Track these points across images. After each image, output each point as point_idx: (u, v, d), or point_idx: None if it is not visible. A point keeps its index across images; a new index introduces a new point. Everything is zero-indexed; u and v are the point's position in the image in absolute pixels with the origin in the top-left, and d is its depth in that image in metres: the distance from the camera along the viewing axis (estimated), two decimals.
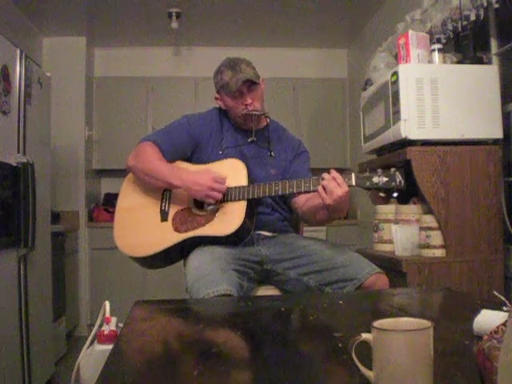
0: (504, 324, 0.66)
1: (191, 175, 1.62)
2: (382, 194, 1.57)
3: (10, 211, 2.22)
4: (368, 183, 1.48)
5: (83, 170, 4.08)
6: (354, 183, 1.48)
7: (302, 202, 1.74)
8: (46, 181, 2.77)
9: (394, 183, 1.46)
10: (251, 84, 1.71)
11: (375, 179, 1.46)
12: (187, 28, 3.99)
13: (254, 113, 1.72)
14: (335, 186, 1.43)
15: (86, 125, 4.10)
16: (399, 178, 1.45)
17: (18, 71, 2.32)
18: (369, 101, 2.46)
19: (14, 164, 2.25)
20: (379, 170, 1.48)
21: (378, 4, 3.58)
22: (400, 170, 1.47)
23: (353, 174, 1.49)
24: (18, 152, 2.32)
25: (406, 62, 2.12)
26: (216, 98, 1.82)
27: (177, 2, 3.59)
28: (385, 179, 1.46)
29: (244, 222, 1.58)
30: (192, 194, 1.63)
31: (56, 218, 3.64)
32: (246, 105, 1.72)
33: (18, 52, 2.33)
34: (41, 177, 2.56)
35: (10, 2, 3.35)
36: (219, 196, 1.59)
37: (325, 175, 1.46)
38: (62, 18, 3.79)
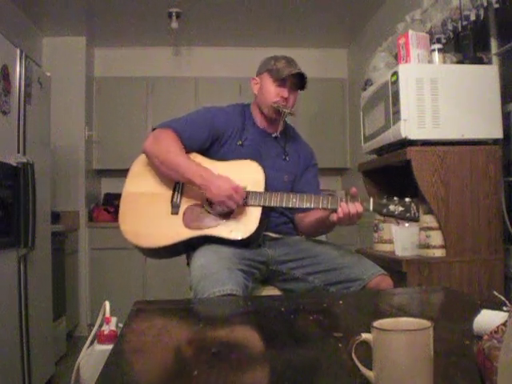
0: (504, 324, 0.66)
1: (213, 176, 1.58)
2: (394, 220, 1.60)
3: (10, 211, 2.22)
4: (385, 210, 1.52)
5: (83, 170, 4.08)
6: (371, 208, 1.53)
7: (304, 213, 1.75)
8: (46, 181, 2.77)
9: (408, 214, 1.51)
10: (295, 85, 1.74)
11: (392, 207, 1.52)
12: (187, 28, 3.98)
13: (284, 110, 1.74)
14: (354, 215, 1.49)
15: (85, 125, 4.10)
16: (414, 209, 1.50)
17: (17, 71, 2.32)
18: (369, 101, 2.46)
19: (14, 164, 2.25)
20: (396, 199, 1.52)
21: (378, 4, 3.58)
22: (414, 200, 1.52)
23: (371, 200, 1.53)
24: (18, 152, 2.32)
25: (406, 62, 2.12)
26: (253, 79, 1.82)
27: (177, 1, 3.59)
28: (401, 209, 1.51)
29: (257, 228, 1.58)
30: (209, 195, 1.58)
31: (56, 218, 3.64)
32: (282, 97, 1.73)
33: (18, 52, 2.33)
34: (41, 177, 2.55)
35: (10, 2, 3.35)
36: (234, 207, 1.56)
37: (344, 204, 1.50)
38: (62, 18, 3.79)
